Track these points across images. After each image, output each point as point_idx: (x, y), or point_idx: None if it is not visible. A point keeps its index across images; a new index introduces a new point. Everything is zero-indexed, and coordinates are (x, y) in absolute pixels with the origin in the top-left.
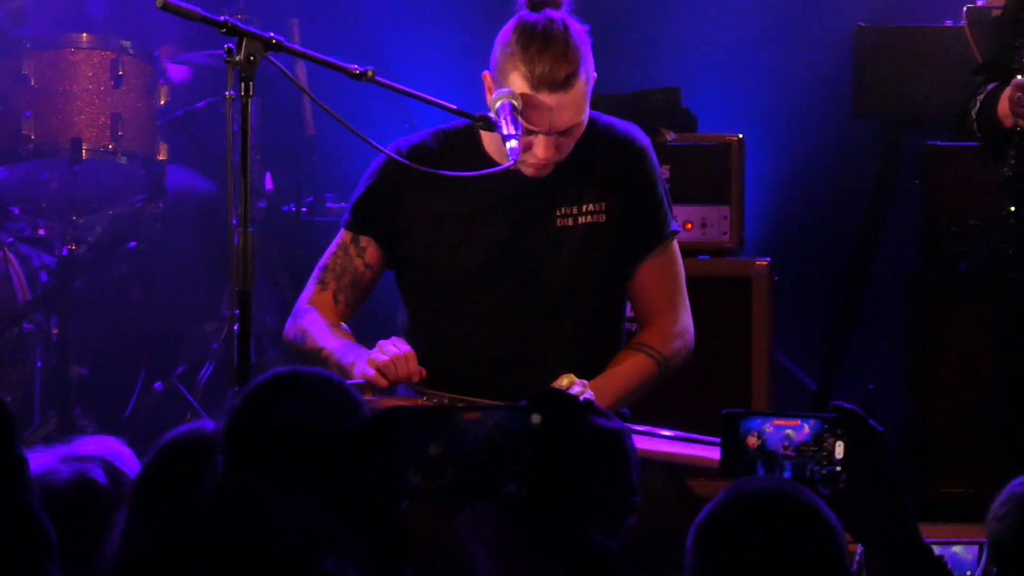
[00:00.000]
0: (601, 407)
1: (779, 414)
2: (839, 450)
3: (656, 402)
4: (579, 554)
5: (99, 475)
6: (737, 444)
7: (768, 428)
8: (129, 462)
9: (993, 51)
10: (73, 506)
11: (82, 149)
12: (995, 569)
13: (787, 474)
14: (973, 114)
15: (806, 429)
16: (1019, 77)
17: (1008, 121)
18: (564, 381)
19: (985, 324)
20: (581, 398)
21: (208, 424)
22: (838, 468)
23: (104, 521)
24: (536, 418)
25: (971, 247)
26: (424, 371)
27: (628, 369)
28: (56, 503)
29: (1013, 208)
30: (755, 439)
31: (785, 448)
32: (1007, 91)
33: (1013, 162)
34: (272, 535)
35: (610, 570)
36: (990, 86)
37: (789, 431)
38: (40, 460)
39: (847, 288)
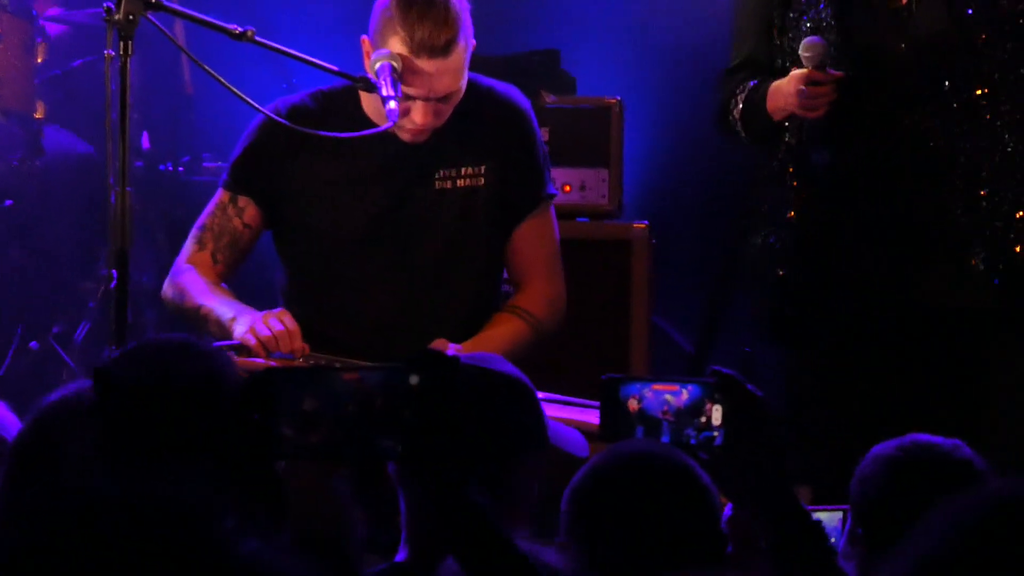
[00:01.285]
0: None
1: (658, 379)
2: (717, 415)
3: (535, 365)
4: (455, 512)
5: None
6: (616, 409)
7: (647, 393)
8: (10, 426)
9: (749, 47)
10: None
11: None
12: (860, 530)
13: (665, 438)
14: (736, 114)
15: (685, 394)
16: (797, 70)
17: (779, 115)
18: (438, 346)
19: None
20: None
21: (88, 386)
22: (715, 433)
23: None
24: (414, 379)
25: None
26: (308, 348)
27: (502, 332)
28: None
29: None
30: (635, 403)
31: (664, 413)
32: (786, 85)
33: (784, 157)
34: (164, 500)
35: (485, 528)
36: (752, 83)
37: (668, 396)
38: None
39: (725, 251)
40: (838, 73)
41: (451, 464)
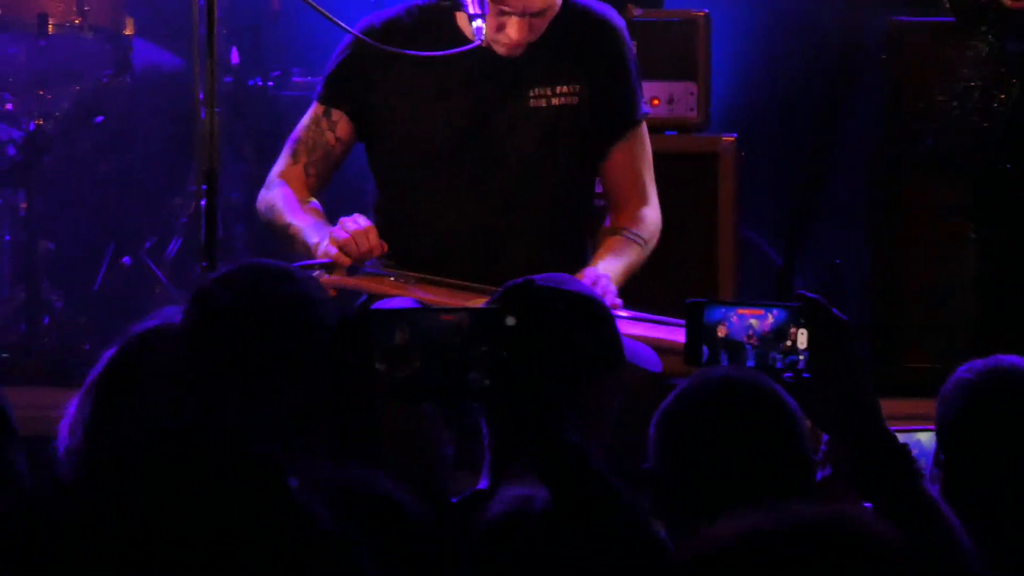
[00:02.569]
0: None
1: (743, 303)
2: (803, 339)
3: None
4: (553, 452)
5: None
6: (701, 332)
7: (732, 317)
8: None
9: None
10: None
11: (48, 24)
12: (942, 455)
13: (750, 363)
14: None
15: (770, 319)
16: None
17: None
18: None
19: (948, 199)
20: (606, 301)
21: (178, 314)
22: (801, 357)
23: None
24: (511, 320)
25: (937, 122)
26: (386, 245)
27: (623, 255)
28: None
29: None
30: (724, 330)
31: (749, 337)
32: None
33: (990, 38)
34: (239, 444)
35: (586, 469)
36: None
37: (753, 320)
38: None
39: (812, 163)
40: None
41: (543, 402)
